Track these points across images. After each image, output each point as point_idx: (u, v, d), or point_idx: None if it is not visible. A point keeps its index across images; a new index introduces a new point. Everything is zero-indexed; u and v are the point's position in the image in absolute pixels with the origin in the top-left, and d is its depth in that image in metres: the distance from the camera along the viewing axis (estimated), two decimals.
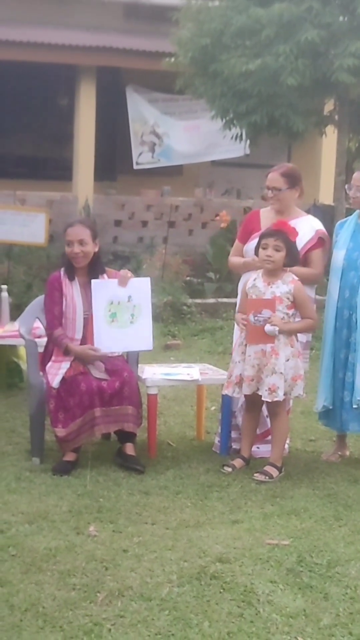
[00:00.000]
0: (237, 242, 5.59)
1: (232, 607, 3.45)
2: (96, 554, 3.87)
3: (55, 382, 5.10)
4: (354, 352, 5.25)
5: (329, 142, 11.96)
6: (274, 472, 5.03)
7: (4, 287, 7.00)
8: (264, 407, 5.26)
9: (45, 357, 5.32)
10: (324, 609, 3.46)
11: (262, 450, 5.40)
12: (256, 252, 5.13)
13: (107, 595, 3.49)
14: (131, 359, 5.48)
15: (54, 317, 5.25)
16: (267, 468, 5.04)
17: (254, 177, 13.29)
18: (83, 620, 3.30)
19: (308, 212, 6.02)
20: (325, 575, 3.77)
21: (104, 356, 5.20)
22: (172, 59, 10.88)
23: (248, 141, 11.15)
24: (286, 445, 5.38)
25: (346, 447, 5.62)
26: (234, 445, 5.47)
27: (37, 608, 3.37)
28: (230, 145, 12.11)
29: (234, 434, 5.50)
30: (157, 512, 4.43)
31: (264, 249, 5.05)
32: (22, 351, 6.37)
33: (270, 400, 5.01)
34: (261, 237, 5.11)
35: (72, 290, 5.26)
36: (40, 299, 5.61)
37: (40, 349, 5.41)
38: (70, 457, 5.08)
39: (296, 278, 5.09)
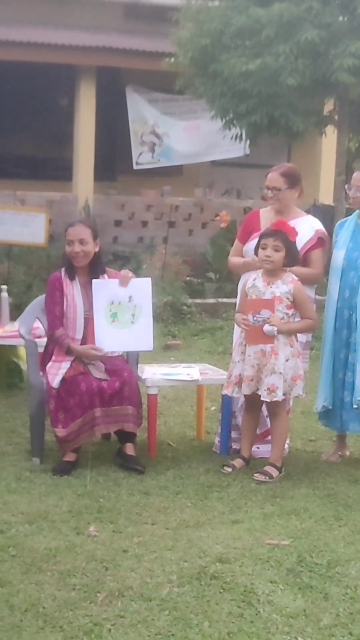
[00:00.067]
0: (236, 242, 5.59)
1: (232, 607, 3.45)
2: (96, 554, 3.87)
3: (55, 382, 5.10)
4: (354, 352, 5.25)
5: (329, 142, 11.96)
6: (274, 472, 5.03)
7: (4, 287, 7.00)
8: (264, 407, 5.26)
9: (45, 357, 5.32)
10: (324, 609, 3.46)
11: (262, 450, 5.40)
12: (256, 252, 5.13)
13: (107, 596, 3.49)
14: (131, 359, 5.48)
15: (55, 317, 5.25)
16: (267, 468, 5.04)
17: (254, 177, 13.30)
18: (83, 621, 3.30)
19: (308, 212, 6.02)
20: (325, 576, 3.77)
21: (104, 356, 5.20)
22: (172, 59, 10.88)
23: (248, 141, 11.16)
24: (286, 446, 5.38)
25: (346, 447, 5.62)
26: (234, 446, 5.47)
27: (37, 608, 3.37)
28: (230, 145, 12.11)
29: (234, 434, 5.50)
30: (157, 512, 4.44)
31: (263, 249, 5.05)
32: (22, 351, 6.38)
33: (269, 400, 5.01)
34: (260, 237, 5.11)
35: (73, 290, 5.27)
36: (40, 299, 5.61)
37: (40, 349, 5.41)
38: (70, 457, 5.08)
39: (296, 278, 5.09)
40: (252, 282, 5.13)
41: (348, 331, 5.30)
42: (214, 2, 10.49)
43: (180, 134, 13.65)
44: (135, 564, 3.79)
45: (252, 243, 5.29)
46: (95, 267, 5.32)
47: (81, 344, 5.21)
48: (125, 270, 5.46)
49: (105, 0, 13.63)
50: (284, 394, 5.01)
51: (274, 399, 4.98)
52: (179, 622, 3.31)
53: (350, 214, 5.58)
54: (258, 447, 5.40)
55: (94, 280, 5.24)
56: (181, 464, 5.22)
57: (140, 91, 13.50)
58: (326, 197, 13.40)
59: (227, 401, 5.39)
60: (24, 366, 6.54)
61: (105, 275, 5.35)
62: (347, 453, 5.60)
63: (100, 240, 5.38)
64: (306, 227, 5.32)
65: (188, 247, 12.92)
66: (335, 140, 11.11)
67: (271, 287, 5.06)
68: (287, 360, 5.01)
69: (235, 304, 5.50)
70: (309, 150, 13.78)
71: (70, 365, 5.15)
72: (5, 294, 6.88)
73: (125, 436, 5.17)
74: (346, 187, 5.57)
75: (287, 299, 5.04)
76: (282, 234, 5.02)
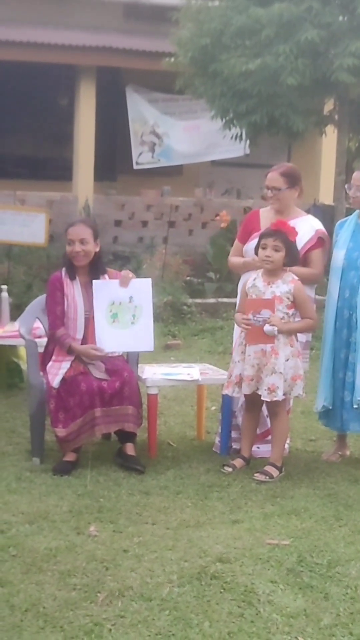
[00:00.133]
0: (236, 242, 5.59)
1: (233, 607, 3.45)
2: (96, 554, 3.87)
3: (55, 382, 5.10)
4: (354, 352, 5.25)
5: (329, 141, 11.96)
6: (274, 472, 5.03)
7: (4, 287, 7.00)
8: (264, 407, 5.26)
9: (45, 357, 5.32)
10: (324, 609, 3.46)
11: (262, 450, 5.40)
12: (256, 252, 5.13)
13: (107, 596, 3.49)
14: (131, 359, 5.48)
15: (56, 317, 5.25)
16: (268, 468, 5.04)
17: (254, 177, 13.30)
18: (83, 621, 3.30)
19: (308, 211, 6.02)
20: (325, 575, 3.77)
21: (104, 356, 5.20)
22: (172, 59, 10.88)
23: (248, 141, 11.16)
24: (286, 445, 5.38)
25: (346, 446, 5.62)
26: (234, 445, 5.47)
27: (37, 608, 3.37)
28: (230, 145, 12.11)
29: (234, 434, 5.50)
30: (158, 512, 4.43)
31: (263, 249, 5.05)
32: (22, 351, 6.38)
33: (269, 400, 5.01)
34: (260, 237, 5.11)
35: (73, 290, 5.27)
36: (40, 299, 5.61)
37: (41, 349, 5.41)
38: (70, 457, 5.08)
39: (296, 278, 5.09)
40: (253, 282, 5.12)
41: (348, 331, 5.30)
42: (214, 2, 10.50)
43: (180, 134, 13.65)
44: (135, 563, 3.79)
45: (252, 243, 5.29)
46: (96, 267, 5.32)
47: (82, 343, 5.21)
48: (125, 271, 5.46)
49: (105, 0, 13.63)
50: (284, 394, 5.01)
51: (275, 399, 4.98)
52: (179, 622, 3.31)
53: (351, 214, 5.58)
54: (258, 447, 5.40)
55: (94, 281, 5.25)
56: (181, 464, 5.22)
57: (140, 91, 13.50)
58: (326, 196, 13.40)
59: (227, 401, 5.39)
60: (24, 366, 6.54)
61: (106, 276, 5.35)
62: (348, 453, 5.60)
63: (100, 240, 5.39)
64: (306, 227, 5.32)
65: (188, 247, 12.92)
66: (335, 140, 11.11)
67: (271, 286, 5.06)
68: (288, 360, 5.01)
69: (235, 303, 5.50)
70: (309, 150, 13.78)
71: (71, 365, 5.15)
72: (5, 294, 6.89)
73: (126, 436, 5.17)
74: (346, 186, 5.57)
75: (288, 298, 5.04)
76: (282, 234, 5.02)
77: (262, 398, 5.04)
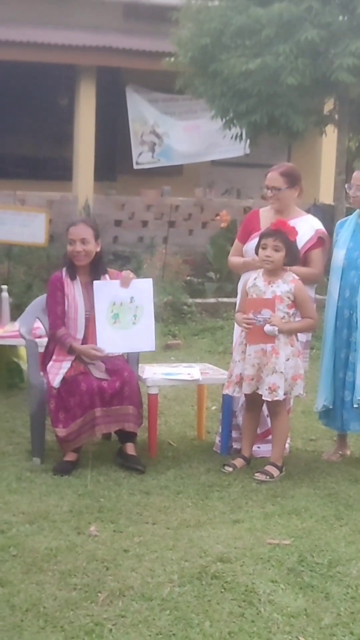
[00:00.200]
0: (236, 241, 5.59)
1: (233, 606, 3.45)
2: (97, 554, 3.87)
3: (55, 381, 5.10)
4: (355, 351, 5.25)
5: (329, 141, 11.96)
6: (275, 472, 5.03)
7: (4, 287, 7.00)
8: (265, 407, 5.26)
9: (45, 357, 5.32)
10: (325, 609, 3.46)
11: (262, 449, 5.40)
12: (256, 252, 5.13)
13: (108, 595, 3.49)
14: (132, 359, 5.48)
15: (57, 316, 5.25)
16: (268, 467, 5.04)
17: (254, 177, 13.30)
18: (84, 620, 3.30)
19: (308, 211, 6.02)
20: (326, 575, 3.77)
21: (105, 356, 5.20)
22: (172, 59, 10.88)
23: (248, 141, 11.15)
24: (287, 445, 5.38)
25: (347, 446, 5.62)
26: (235, 445, 5.47)
27: (38, 608, 3.37)
28: (230, 145, 12.11)
29: (234, 434, 5.50)
30: (158, 512, 4.43)
31: (263, 249, 5.05)
32: (23, 351, 6.37)
33: (270, 400, 5.01)
34: (260, 237, 5.10)
35: (74, 290, 5.27)
36: (40, 299, 5.61)
37: (41, 349, 5.41)
38: (70, 457, 5.07)
39: (297, 277, 5.08)
40: (253, 282, 5.12)
41: (348, 331, 5.30)
42: (214, 1, 10.50)
43: (180, 134, 13.65)
44: (136, 563, 3.79)
45: (252, 243, 5.29)
46: (97, 267, 5.32)
47: (82, 343, 5.21)
48: (126, 271, 5.46)
49: (105, 0, 13.63)
50: (284, 394, 5.01)
51: (275, 399, 4.98)
52: (180, 622, 3.31)
53: (351, 214, 5.58)
54: (259, 447, 5.40)
55: (95, 282, 5.25)
56: (182, 464, 5.22)
57: (140, 91, 13.50)
58: (326, 196, 13.40)
59: (227, 401, 5.39)
60: (24, 366, 6.54)
61: (107, 276, 5.35)
62: (348, 452, 5.60)
63: (100, 240, 5.38)
64: (306, 227, 5.32)
65: (188, 247, 12.92)
66: (335, 139, 11.11)
67: (272, 286, 5.06)
68: (288, 359, 5.01)
69: (235, 303, 5.50)
70: (309, 150, 13.78)
71: (71, 365, 5.15)
72: (5, 294, 6.89)
73: (126, 436, 5.17)
74: (346, 186, 5.57)
75: (288, 298, 5.04)
76: (282, 234, 5.02)
77: (262, 398, 5.04)
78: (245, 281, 5.24)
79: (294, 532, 4.22)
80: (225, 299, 10.57)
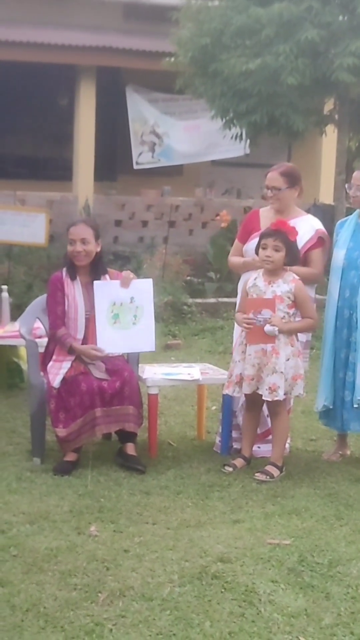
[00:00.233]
0: (236, 241, 5.58)
1: (234, 606, 3.45)
2: (97, 554, 3.87)
3: (56, 381, 5.10)
4: (355, 351, 5.25)
5: (329, 141, 11.96)
6: (275, 472, 5.03)
7: (5, 287, 7.01)
8: (265, 407, 5.25)
9: (46, 357, 5.32)
10: (325, 609, 3.46)
11: (262, 449, 5.39)
12: (257, 252, 5.13)
13: (108, 596, 3.49)
14: (132, 359, 5.48)
15: (57, 316, 5.25)
16: (268, 467, 5.04)
17: (254, 177, 13.29)
18: (84, 621, 3.30)
19: (308, 211, 6.02)
20: (326, 575, 3.77)
21: (105, 356, 5.20)
22: (172, 59, 10.88)
23: (248, 141, 11.15)
24: (287, 445, 5.38)
25: (347, 446, 5.62)
26: (235, 445, 5.47)
27: (38, 608, 3.37)
28: (230, 144, 12.11)
29: (234, 434, 5.50)
30: (158, 512, 4.43)
31: (263, 249, 5.05)
32: (23, 351, 6.37)
33: (270, 400, 5.01)
34: (261, 237, 5.10)
35: (74, 290, 5.27)
36: (40, 299, 5.61)
37: (41, 349, 5.41)
38: (71, 457, 5.07)
39: (297, 277, 5.08)
40: (253, 282, 5.12)
41: (348, 331, 5.30)
42: (214, 1, 10.50)
43: (181, 134, 13.65)
44: (136, 563, 3.79)
45: (252, 243, 5.29)
46: (97, 267, 5.32)
47: (82, 343, 5.21)
48: (126, 272, 5.46)
49: (105, 0, 13.63)
50: (284, 394, 5.01)
51: (276, 398, 4.98)
52: (180, 622, 3.31)
53: (351, 214, 5.58)
54: (259, 447, 5.40)
55: (95, 282, 5.25)
56: (182, 464, 5.22)
57: (140, 91, 13.50)
58: (326, 196, 13.40)
59: (227, 401, 5.39)
60: (24, 366, 6.54)
61: (107, 276, 5.35)
62: (348, 452, 5.60)
63: (101, 241, 5.38)
64: (306, 227, 5.32)
65: (188, 247, 12.92)
66: (335, 139, 11.11)
67: (272, 286, 5.06)
68: (288, 359, 5.01)
69: (235, 303, 5.50)
70: (309, 150, 13.78)
71: (71, 365, 5.14)
72: (5, 294, 6.89)
73: (126, 436, 5.17)
74: (346, 186, 5.57)
75: (288, 298, 5.04)
76: (282, 234, 5.02)
77: (263, 397, 5.03)
78: (246, 281, 5.24)
79: (294, 532, 4.22)
80: (226, 299, 10.57)
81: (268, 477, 4.98)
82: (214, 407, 6.33)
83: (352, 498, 4.75)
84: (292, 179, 5.33)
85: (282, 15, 9.31)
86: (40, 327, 5.76)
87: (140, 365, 5.55)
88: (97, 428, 5.04)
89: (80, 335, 5.23)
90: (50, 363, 5.22)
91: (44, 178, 13.79)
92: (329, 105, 11.29)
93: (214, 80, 10.19)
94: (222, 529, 4.23)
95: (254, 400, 5.16)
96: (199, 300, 10.73)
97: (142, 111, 13.52)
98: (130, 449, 5.14)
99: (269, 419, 5.29)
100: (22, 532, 4.11)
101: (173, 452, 5.48)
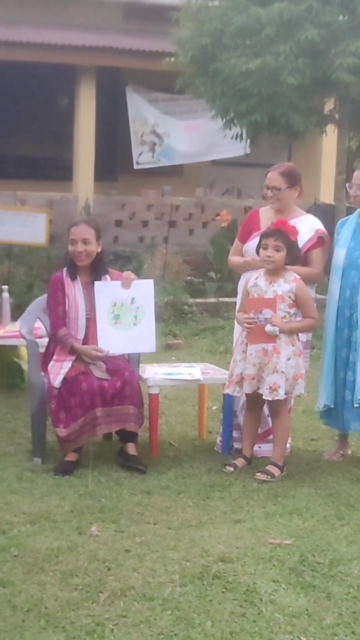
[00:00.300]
0: (236, 241, 5.58)
1: (235, 606, 3.45)
2: (98, 554, 3.86)
3: (57, 381, 5.10)
4: (355, 351, 5.25)
5: (330, 141, 11.97)
6: (276, 472, 5.03)
7: (5, 287, 7.01)
8: (266, 407, 5.25)
9: (46, 357, 5.32)
10: (326, 609, 3.46)
11: (263, 449, 5.39)
12: (257, 252, 5.13)
13: (109, 596, 3.49)
14: (132, 359, 5.48)
15: (58, 317, 5.25)
16: (269, 467, 5.04)
17: (254, 177, 13.28)
18: (85, 621, 3.30)
19: (309, 211, 6.02)
20: (327, 575, 3.77)
21: (105, 357, 5.20)
22: (172, 59, 10.89)
23: (248, 140, 11.17)
24: (288, 445, 5.37)
25: (348, 446, 5.62)
26: (236, 445, 5.47)
27: (39, 608, 3.37)
28: (230, 144, 12.12)
29: (235, 434, 5.50)
30: (159, 512, 4.43)
31: (264, 249, 5.05)
32: (23, 351, 6.37)
33: (271, 399, 5.01)
34: (261, 237, 5.10)
35: (75, 290, 5.27)
36: (41, 299, 5.61)
37: (42, 349, 5.41)
38: (71, 457, 5.07)
39: (298, 277, 5.08)
40: (254, 281, 5.12)
41: (349, 330, 5.30)
42: (214, 1, 10.51)
43: (181, 134, 13.65)
44: (137, 563, 3.79)
45: (252, 242, 5.29)
46: (98, 268, 5.32)
47: (83, 343, 5.21)
48: (127, 272, 5.46)
49: (105, 0, 13.63)
50: (285, 393, 5.01)
51: (276, 398, 4.98)
52: (181, 622, 3.31)
53: (351, 213, 5.58)
54: (260, 447, 5.40)
55: (96, 282, 5.25)
56: (183, 464, 5.22)
57: (140, 91, 13.50)
58: (327, 196, 13.41)
59: (228, 400, 5.39)
60: (25, 366, 6.54)
61: (107, 276, 5.35)
62: (349, 452, 5.60)
63: (101, 241, 5.39)
64: (306, 227, 5.32)
65: (189, 247, 12.92)
66: (335, 139, 11.12)
67: (273, 285, 5.05)
68: (289, 359, 5.01)
69: (235, 303, 5.50)
70: (309, 150, 13.78)
71: (72, 365, 5.14)
72: (6, 294, 6.89)
73: (127, 436, 5.17)
74: (347, 185, 5.57)
75: (289, 297, 5.03)
76: (282, 234, 5.02)
77: (263, 397, 5.03)
78: (247, 281, 5.24)
79: (296, 532, 4.22)
80: (226, 299, 10.57)
81: (269, 476, 4.98)
82: (214, 407, 6.33)
83: (353, 498, 4.75)
84: (292, 179, 5.33)
85: (282, 15, 9.31)
86: (40, 327, 5.76)
87: (141, 365, 5.55)
88: (97, 428, 5.04)
89: (80, 335, 5.23)
90: (51, 363, 5.22)
91: (44, 178, 13.79)
92: (329, 105, 11.30)
93: (214, 80, 10.20)
94: (223, 529, 4.23)
95: (254, 400, 5.16)
96: (199, 300, 10.73)
97: (142, 111, 13.52)
98: (131, 448, 5.14)
99: (269, 419, 5.29)
100: (23, 532, 4.11)
101: (174, 452, 5.48)
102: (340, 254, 5.36)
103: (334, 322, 5.36)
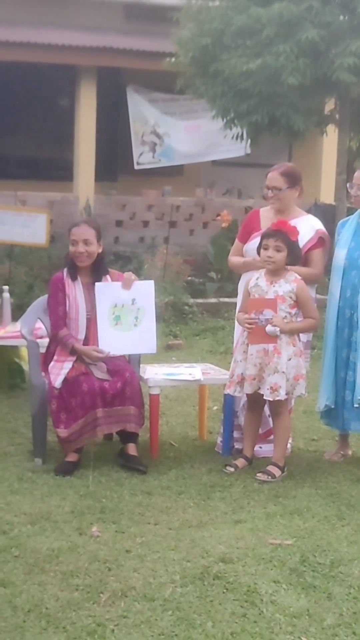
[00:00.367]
0: (236, 241, 5.58)
1: (236, 607, 3.45)
2: (99, 555, 3.87)
3: (57, 382, 5.10)
4: (355, 351, 5.25)
5: (330, 141, 11.97)
6: (277, 472, 5.03)
7: (6, 287, 7.01)
8: (266, 407, 5.25)
9: (47, 358, 5.32)
10: (327, 609, 3.46)
11: (264, 450, 5.39)
12: (259, 253, 5.13)
13: (110, 596, 3.49)
14: (133, 359, 5.48)
15: (59, 317, 5.25)
16: (270, 468, 5.04)
17: (254, 177, 13.28)
18: (86, 621, 3.30)
19: (309, 211, 6.01)
20: (328, 575, 3.77)
21: (106, 357, 5.20)
22: (173, 59, 10.89)
23: (249, 141, 11.16)
24: (288, 445, 5.37)
25: (348, 446, 5.62)
26: (236, 445, 5.47)
27: (40, 609, 3.37)
28: (231, 145, 12.12)
29: (236, 434, 5.49)
30: (160, 513, 4.43)
31: (265, 249, 5.05)
32: (24, 352, 6.37)
33: (272, 399, 5.01)
34: (262, 237, 5.10)
35: (75, 291, 5.27)
36: (41, 299, 5.61)
37: (42, 350, 5.41)
38: (72, 457, 5.07)
39: (299, 277, 5.08)
40: (255, 281, 5.12)
41: (350, 330, 5.30)
42: (215, 1, 10.51)
43: (181, 134, 13.65)
44: (138, 564, 3.79)
45: (252, 242, 5.29)
46: (98, 268, 5.32)
47: (83, 344, 5.22)
48: (128, 273, 5.46)
49: (105, 1, 13.63)
50: (286, 393, 5.01)
51: (277, 398, 4.98)
52: (182, 622, 3.31)
53: (352, 213, 5.58)
54: (260, 447, 5.40)
55: (97, 284, 5.25)
56: (183, 464, 5.22)
57: (140, 91, 13.50)
58: (327, 196, 13.40)
59: (229, 401, 5.39)
60: (25, 367, 6.54)
61: (108, 276, 5.35)
62: (350, 452, 5.60)
63: (102, 241, 5.38)
64: (306, 227, 5.32)
65: (189, 247, 12.93)
66: (336, 139, 11.12)
67: (274, 286, 5.06)
68: (290, 359, 5.01)
69: (236, 303, 5.50)
70: (310, 150, 13.78)
71: (72, 365, 5.14)
72: (6, 295, 6.89)
73: (128, 436, 5.17)
74: (348, 185, 5.57)
75: (290, 297, 5.03)
76: (283, 234, 5.02)
77: (264, 397, 5.03)
78: (247, 281, 5.24)
79: (296, 532, 4.22)
80: (227, 299, 10.56)
81: (270, 477, 4.98)
82: (215, 408, 6.33)
83: (354, 498, 4.75)
84: (293, 179, 5.33)
85: (283, 15, 9.31)
86: (41, 327, 5.76)
87: (141, 365, 5.55)
88: (98, 428, 5.04)
89: (81, 336, 5.24)
90: (52, 363, 5.22)
91: (45, 178, 13.79)
92: (329, 105, 11.29)
93: (215, 81, 10.20)
94: (224, 529, 4.23)
95: (255, 400, 5.16)
96: (200, 301, 10.73)
97: (142, 111, 13.52)
98: (131, 449, 5.14)
99: (270, 419, 5.29)
100: (24, 533, 4.11)
101: (174, 452, 5.48)
102: (341, 254, 5.36)
103: (334, 322, 5.36)
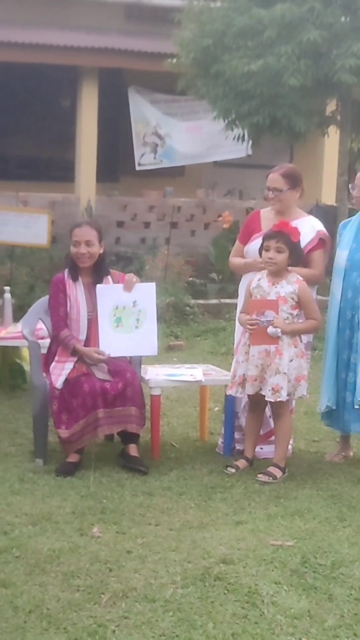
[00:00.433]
0: (237, 242, 5.58)
1: (237, 608, 3.45)
2: (100, 555, 3.87)
3: (58, 382, 5.10)
4: (356, 352, 5.25)
5: (331, 142, 11.96)
6: (278, 473, 5.03)
7: (7, 288, 7.01)
8: (267, 408, 5.25)
9: (48, 358, 5.32)
10: (328, 610, 3.46)
11: (265, 451, 5.39)
12: (260, 254, 5.13)
13: (111, 597, 3.49)
14: (134, 360, 5.48)
15: (60, 318, 5.25)
16: (271, 469, 5.04)
17: (256, 178, 13.26)
18: (87, 622, 3.30)
19: (310, 212, 6.01)
20: (329, 576, 3.76)
21: (107, 359, 5.20)
22: (174, 60, 10.89)
23: (250, 142, 11.16)
24: (290, 446, 5.38)
25: (350, 447, 5.62)
26: (238, 446, 5.47)
27: (41, 609, 3.37)
28: (232, 146, 12.12)
29: (237, 435, 5.49)
30: (161, 513, 4.43)
31: (266, 250, 5.05)
32: (25, 352, 6.38)
33: (273, 400, 5.01)
34: (263, 239, 5.10)
35: (76, 291, 5.27)
36: (43, 300, 5.61)
37: (43, 350, 5.42)
38: (73, 458, 5.07)
39: (301, 278, 5.08)
40: (257, 282, 5.12)
41: (351, 332, 5.30)
42: (216, 2, 10.50)
43: (183, 135, 13.65)
44: (139, 565, 3.79)
45: (253, 243, 5.29)
46: (99, 269, 5.32)
47: (84, 344, 5.22)
48: (129, 275, 5.45)
49: (107, 1, 13.63)
50: (287, 395, 5.01)
51: (278, 399, 4.98)
52: (183, 623, 3.31)
53: (353, 215, 5.58)
54: (261, 448, 5.40)
55: (98, 286, 5.26)
56: (184, 465, 5.22)
57: (142, 92, 13.50)
58: (328, 197, 13.39)
59: (230, 402, 5.39)
60: (27, 367, 6.54)
61: (109, 277, 5.35)
62: (351, 454, 5.60)
63: (104, 242, 5.39)
64: (307, 228, 5.32)
65: (190, 248, 12.93)
66: (337, 140, 11.12)
67: (276, 287, 5.06)
68: (291, 360, 5.01)
69: (237, 304, 5.50)
70: (311, 151, 13.77)
71: (74, 366, 5.15)
72: (8, 295, 6.89)
73: (129, 437, 5.17)
74: (350, 186, 5.57)
75: (292, 299, 5.03)
76: (284, 235, 5.02)
77: (266, 398, 5.03)
78: (249, 282, 5.24)
79: (297, 534, 4.21)
80: (228, 300, 10.56)
81: (271, 478, 4.98)
82: (216, 408, 6.34)
83: (355, 499, 4.75)
84: (293, 180, 5.33)
85: (284, 16, 9.31)
86: (42, 328, 5.76)
87: (142, 366, 5.55)
88: (99, 429, 5.04)
89: (82, 336, 5.24)
90: (53, 364, 5.22)
91: (46, 179, 13.80)
92: (331, 107, 11.29)
93: (216, 82, 10.20)
94: (225, 531, 4.23)
95: (256, 401, 5.16)
96: (201, 301, 10.74)
97: (144, 112, 13.52)
98: (132, 450, 5.14)
99: (271, 420, 5.29)
100: (25, 534, 4.11)
101: (175, 453, 5.48)
102: (342, 256, 5.36)
103: (335, 323, 5.36)
